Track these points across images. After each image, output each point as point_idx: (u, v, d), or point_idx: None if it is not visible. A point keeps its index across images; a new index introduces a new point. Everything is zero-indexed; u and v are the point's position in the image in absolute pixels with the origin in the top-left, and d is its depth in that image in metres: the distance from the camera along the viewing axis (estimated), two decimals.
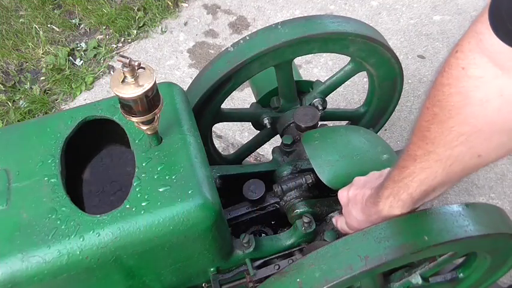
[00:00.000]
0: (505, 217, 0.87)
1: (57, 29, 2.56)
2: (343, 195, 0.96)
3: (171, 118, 0.95)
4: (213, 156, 1.45)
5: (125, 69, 0.74)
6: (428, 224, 0.79)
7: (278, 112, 1.35)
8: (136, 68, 0.75)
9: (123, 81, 0.76)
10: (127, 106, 0.79)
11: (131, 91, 0.76)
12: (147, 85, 0.76)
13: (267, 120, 1.35)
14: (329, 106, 1.38)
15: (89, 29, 2.57)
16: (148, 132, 0.87)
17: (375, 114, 1.47)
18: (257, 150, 1.64)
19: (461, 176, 0.71)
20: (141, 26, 2.53)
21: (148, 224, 0.82)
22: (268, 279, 0.87)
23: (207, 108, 1.24)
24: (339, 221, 1.01)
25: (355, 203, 0.90)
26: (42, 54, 2.44)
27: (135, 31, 2.50)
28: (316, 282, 0.77)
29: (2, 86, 2.33)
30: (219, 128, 2.05)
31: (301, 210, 1.12)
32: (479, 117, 0.61)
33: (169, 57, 2.39)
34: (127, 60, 0.73)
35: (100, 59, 2.43)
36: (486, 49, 0.56)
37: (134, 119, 0.81)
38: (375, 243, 0.77)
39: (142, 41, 2.48)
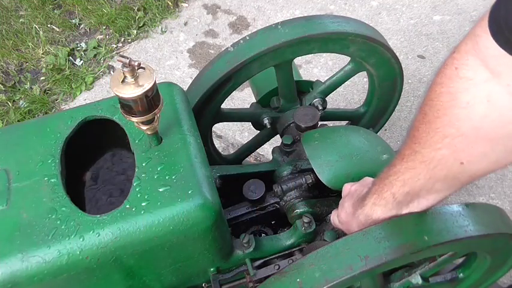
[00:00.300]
0: (505, 217, 0.87)
1: (57, 29, 2.56)
2: (346, 187, 0.97)
3: (171, 118, 0.95)
4: (213, 156, 1.45)
5: (125, 69, 0.74)
6: (428, 224, 0.79)
7: (278, 112, 1.35)
8: (136, 68, 0.75)
9: (123, 81, 0.76)
10: (127, 106, 0.79)
11: (131, 91, 0.76)
12: (147, 85, 0.76)
13: (267, 120, 1.35)
14: (329, 106, 1.39)
15: (89, 29, 2.57)
16: (149, 132, 0.87)
17: (374, 114, 1.47)
18: (257, 150, 1.64)
19: (445, 184, 0.70)
20: (141, 26, 2.53)
21: (148, 224, 0.82)
22: (268, 279, 0.87)
23: (207, 108, 1.24)
24: (333, 213, 1.01)
25: (351, 196, 0.91)
26: (42, 54, 2.44)
27: (135, 31, 2.50)
28: (316, 282, 0.77)
29: (2, 86, 2.33)
30: (219, 128, 2.05)
31: (301, 210, 1.12)
32: (464, 121, 0.60)
33: (169, 57, 2.39)
34: (127, 60, 0.73)
35: (100, 59, 2.43)
36: (481, 52, 0.56)
37: (134, 119, 0.81)
38: (375, 243, 0.77)
39: (142, 41, 2.48)
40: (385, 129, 1.98)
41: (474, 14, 2.38)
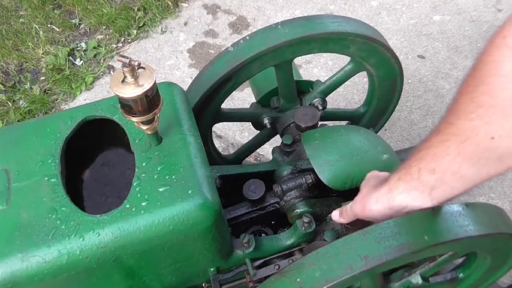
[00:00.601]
0: (505, 217, 0.87)
1: (57, 29, 2.56)
2: (373, 174, 0.92)
3: (171, 118, 0.94)
4: (213, 156, 1.45)
5: (125, 69, 0.74)
6: (429, 224, 0.78)
7: (278, 112, 1.35)
8: (136, 68, 0.75)
9: (123, 81, 0.76)
10: (127, 106, 0.79)
11: (131, 91, 0.76)
12: (147, 85, 0.76)
13: (267, 120, 1.35)
14: (329, 106, 1.39)
15: (89, 29, 2.57)
16: (149, 132, 0.87)
17: (374, 114, 1.47)
18: (257, 150, 1.64)
19: (471, 166, 0.66)
20: (141, 26, 2.53)
21: (148, 224, 0.82)
22: (268, 279, 0.86)
23: (207, 108, 1.24)
24: (334, 211, 0.97)
25: (377, 177, 0.87)
26: (42, 54, 2.44)
27: (135, 31, 2.50)
28: (316, 282, 0.77)
29: (2, 86, 2.33)
30: (219, 128, 2.05)
31: (301, 210, 1.12)
32: (502, 90, 0.58)
33: (169, 57, 2.39)
34: (127, 60, 0.73)
35: (100, 59, 2.43)
36: None
37: (134, 119, 0.81)
38: (375, 243, 0.77)
39: (142, 41, 2.48)
40: (385, 129, 1.98)
41: (474, 14, 2.38)
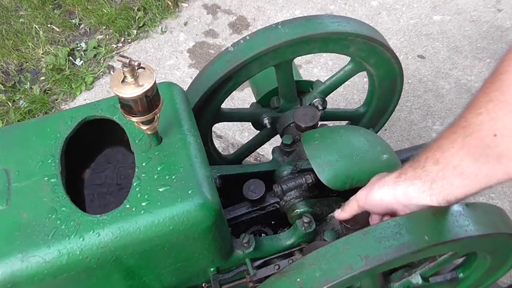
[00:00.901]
0: (505, 217, 0.87)
1: (57, 29, 2.56)
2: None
3: (171, 118, 0.94)
4: (213, 156, 1.45)
5: (125, 69, 0.74)
6: (429, 224, 0.78)
7: (278, 112, 1.35)
8: (136, 68, 0.75)
9: (123, 81, 0.76)
10: (127, 106, 0.79)
11: (131, 91, 0.76)
12: (147, 85, 0.76)
13: (267, 120, 1.35)
14: (329, 106, 1.38)
15: (89, 29, 2.57)
16: (148, 132, 0.87)
17: (374, 114, 1.47)
18: (257, 150, 1.64)
19: (472, 163, 0.66)
20: (141, 26, 2.53)
21: (148, 224, 0.82)
22: (268, 279, 0.86)
23: (207, 108, 1.24)
24: (337, 210, 0.97)
25: (384, 175, 0.85)
26: (42, 54, 2.44)
27: (135, 31, 2.50)
28: (317, 282, 0.77)
29: (2, 86, 2.33)
30: (219, 128, 2.05)
31: (301, 210, 1.12)
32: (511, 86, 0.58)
33: (169, 57, 2.39)
34: (127, 60, 0.73)
35: (100, 59, 2.43)
36: None
37: (134, 119, 0.81)
38: (375, 243, 0.77)
39: (142, 41, 2.48)
40: (385, 129, 1.98)
41: (474, 14, 2.38)
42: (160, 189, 0.84)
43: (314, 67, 2.25)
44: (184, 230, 0.83)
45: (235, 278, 1.03)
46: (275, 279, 0.83)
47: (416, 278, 1.03)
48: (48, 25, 2.58)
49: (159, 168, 0.87)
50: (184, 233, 0.84)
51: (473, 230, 0.79)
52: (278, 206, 1.17)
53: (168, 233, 0.83)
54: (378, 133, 1.54)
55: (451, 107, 2.07)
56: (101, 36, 2.53)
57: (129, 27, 2.52)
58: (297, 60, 1.80)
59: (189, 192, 0.84)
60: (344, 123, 1.57)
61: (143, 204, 0.83)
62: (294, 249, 1.07)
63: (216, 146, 1.54)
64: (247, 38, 1.19)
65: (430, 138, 1.97)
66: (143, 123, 0.83)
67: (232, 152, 1.78)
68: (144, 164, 0.88)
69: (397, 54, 1.29)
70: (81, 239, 0.80)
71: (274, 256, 1.05)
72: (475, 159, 0.66)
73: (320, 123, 1.26)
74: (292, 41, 1.15)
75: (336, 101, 2.09)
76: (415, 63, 2.23)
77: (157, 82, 0.80)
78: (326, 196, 1.16)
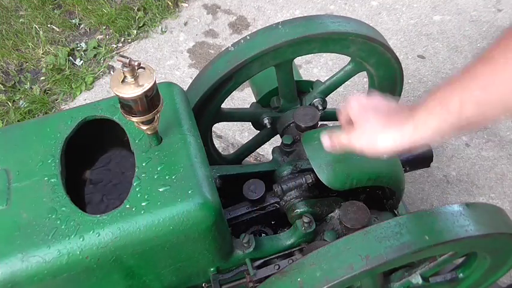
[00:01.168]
0: (505, 217, 0.87)
1: (57, 29, 2.56)
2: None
3: (171, 118, 0.94)
4: (213, 156, 1.45)
5: (125, 69, 0.74)
6: (429, 224, 0.79)
7: (278, 112, 1.35)
8: (136, 68, 0.75)
9: (123, 81, 0.76)
10: (127, 106, 0.79)
11: (131, 91, 0.76)
12: (147, 85, 0.76)
13: (267, 120, 1.35)
14: (329, 106, 1.38)
15: (89, 29, 2.57)
16: (149, 132, 0.87)
17: None
18: (257, 150, 1.64)
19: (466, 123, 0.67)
20: (141, 26, 2.53)
21: (148, 224, 0.82)
22: (268, 279, 0.87)
23: (207, 108, 1.24)
24: (333, 136, 0.91)
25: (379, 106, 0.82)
26: (42, 54, 2.44)
27: (135, 31, 2.50)
28: (317, 282, 0.77)
29: (2, 86, 2.33)
30: (219, 128, 2.05)
31: (301, 210, 1.12)
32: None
33: (169, 57, 2.39)
34: (127, 60, 0.73)
35: (100, 59, 2.43)
36: None
37: (134, 119, 0.81)
38: (375, 243, 0.77)
39: (142, 41, 2.48)
40: None
41: (474, 14, 2.38)
42: (160, 189, 0.84)
43: (314, 67, 2.25)
44: (185, 230, 0.83)
45: (235, 278, 1.03)
46: (275, 279, 0.83)
47: (416, 278, 1.03)
48: (48, 25, 2.57)
49: (159, 168, 0.87)
50: (184, 233, 0.84)
51: (474, 230, 0.79)
52: (278, 206, 1.17)
53: (168, 233, 0.83)
54: None
55: None
56: (101, 36, 2.53)
57: (129, 27, 2.52)
58: (297, 60, 1.80)
59: (189, 192, 0.84)
60: None
61: (143, 204, 0.83)
62: (294, 249, 1.07)
63: (216, 146, 1.54)
64: (248, 37, 1.19)
65: None
66: (143, 123, 0.83)
67: (232, 152, 1.78)
68: (144, 164, 0.88)
69: (397, 54, 1.29)
70: (81, 239, 0.80)
71: (274, 256, 1.05)
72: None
73: (320, 123, 1.26)
74: (292, 41, 1.15)
75: (336, 101, 2.09)
76: (415, 63, 2.23)
77: (157, 82, 0.80)
78: (326, 196, 1.16)
